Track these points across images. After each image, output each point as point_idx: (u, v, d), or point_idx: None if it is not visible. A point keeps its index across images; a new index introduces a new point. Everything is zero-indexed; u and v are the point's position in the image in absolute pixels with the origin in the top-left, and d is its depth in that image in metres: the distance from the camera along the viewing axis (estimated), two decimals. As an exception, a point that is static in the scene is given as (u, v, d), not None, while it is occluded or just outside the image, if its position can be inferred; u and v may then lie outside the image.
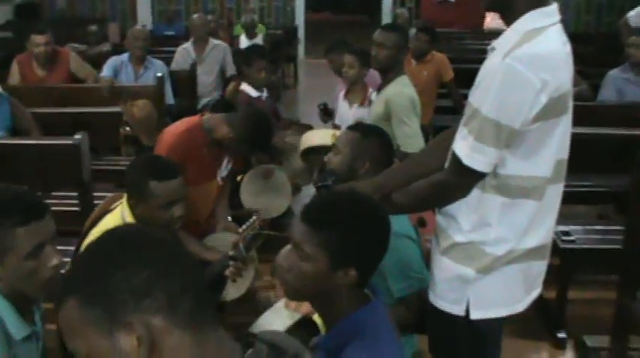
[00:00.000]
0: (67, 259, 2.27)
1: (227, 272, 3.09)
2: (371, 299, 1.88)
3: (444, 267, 2.21)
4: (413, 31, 7.02)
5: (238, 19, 12.20)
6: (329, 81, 6.58)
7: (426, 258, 2.56)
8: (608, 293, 3.55)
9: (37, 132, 4.67)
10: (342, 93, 5.01)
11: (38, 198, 2.04)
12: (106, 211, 2.98)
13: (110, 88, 5.58)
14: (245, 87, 5.05)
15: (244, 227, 3.20)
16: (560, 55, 2.04)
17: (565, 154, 2.16)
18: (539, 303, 3.77)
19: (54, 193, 4.31)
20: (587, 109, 5.09)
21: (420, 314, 2.50)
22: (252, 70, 5.03)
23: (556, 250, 3.67)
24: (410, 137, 3.92)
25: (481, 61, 2.12)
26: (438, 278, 2.25)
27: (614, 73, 5.76)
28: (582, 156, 3.75)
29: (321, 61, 6.04)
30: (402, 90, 4.02)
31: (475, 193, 2.11)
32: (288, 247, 1.87)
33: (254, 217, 3.23)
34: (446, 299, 2.23)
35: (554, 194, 2.17)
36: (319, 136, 4.46)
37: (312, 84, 11.86)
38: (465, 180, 2.10)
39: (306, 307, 2.40)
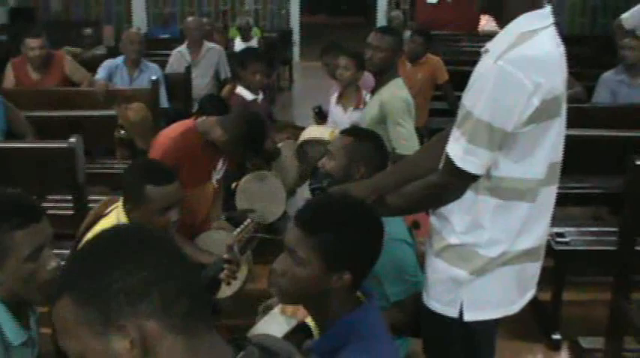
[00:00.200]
0: (63, 263, 2.27)
1: (222, 275, 3.08)
2: (363, 301, 1.88)
3: (438, 269, 2.22)
4: (408, 33, 7.04)
5: (233, 21, 12.20)
6: (324, 83, 6.59)
7: (421, 261, 2.56)
8: (602, 294, 3.56)
9: (32, 136, 4.66)
10: (334, 97, 5.01)
11: (35, 201, 2.04)
12: (101, 215, 2.97)
13: (105, 91, 5.57)
14: (240, 90, 5.04)
15: (239, 230, 3.20)
16: (554, 57, 2.04)
17: (559, 157, 2.17)
18: (534, 305, 3.78)
19: (48, 196, 4.31)
20: (581, 111, 5.10)
21: (415, 317, 2.51)
22: (248, 73, 5.03)
23: (551, 252, 3.67)
24: (405, 139, 3.92)
25: (476, 63, 2.12)
26: (432, 280, 2.25)
27: (608, 75, 5.77)
28: (577, 158, 3.76)
29: (316, 63, 6.05)
30: (397, 92, 4.02)
31: (468, 195, 2.11)
32: (284, 252, 1.87)
33: (248, 220, 3.23)
34: (439, 301, 2.23)
35: (548, 196, 2.17)
36: (318, 131, 4.50)
37: (307, 86, 11.88)
38: (458, 182, 2.10)
39: (302, 312, 2.40)
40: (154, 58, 6.73)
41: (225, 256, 3.07)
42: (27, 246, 1.86)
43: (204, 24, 7.85)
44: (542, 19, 2.03)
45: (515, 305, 2.24)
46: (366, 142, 2.76)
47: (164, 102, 6.00)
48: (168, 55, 7.05)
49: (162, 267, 1.15)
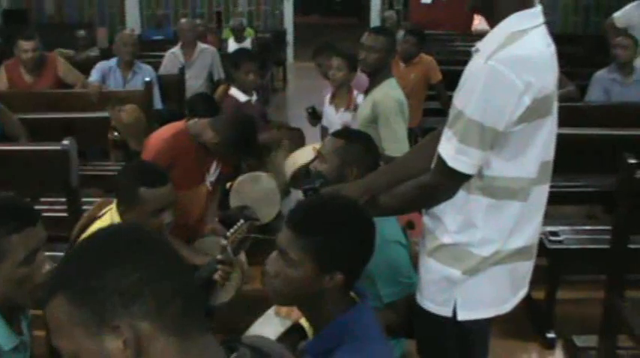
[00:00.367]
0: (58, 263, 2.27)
1: (216, 276, 3.09)
2: (357, 301, 1.88)
3: (431, 269, 2.22)
4: (401, 33, 7.05)
5: (227, 22, 12.20)
6: (318, 84, 6.59)
7: (415, 261, 2.56)
8: (597, 292, 3.56)
9: (25, 138, 4.66)
10: (327, 97, 5.01)
11: (30, 204, 2.04)
12: (95, 217, 2.98)
13: (98, 93, 5.57)
14: (234, 91, 5.03)
15: (232, 231, 3.20)
16: (544, 56, 2.05)
17: (550, 156, 2.17)
18: (528, 303, 3.81)
19: (42, 199, 4.30)
20: (574, 110, 5.12)
21: (409, 318, 2.51)
22: (241, 73, 5.02)
23: (544, 250, 3.70)
24: (395, 141, 3.91)
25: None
26: (425, 280, 2.26)
27: (601, 73, 5.79)
28: (570, 157, 3.78)
29: (310, 64, 6.05)
30: (390, 92, 4.02)
31: (461, 195, 2.12)
32: (275, 253, 1.87)
33: (242, 221, 3.23)
34: (433, 301, 2.23)
35: (540, 195, 2.18)
36: (301, 156, 4.45)
37: (301, 87, 11.88)
38: (450, 181, 2.10)
39: (297, 313, 2.40)
40: (148, 60, 6.73)
41: (219, 257, 3.07)
42: (22, 250, 1.86)
43: (197, 25, 7.86)
44: (532, 19, 2.03)
45: (508, 304, 2.25)
46: (357, 144, 2.75)
47: (158, 103, 6.00)
48: (161, 57, 7.06)
49: (157, 267, 1.14)
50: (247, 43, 9.55)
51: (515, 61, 1.95)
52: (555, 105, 2.13)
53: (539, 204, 2.19)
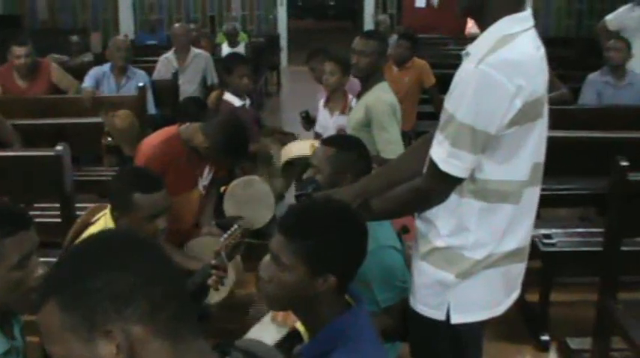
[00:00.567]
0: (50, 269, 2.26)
1: (209, 281, 3.09)
2: (352, 305, 1.89)
3: (424, 272, 2.22)
4: (394, 37, 7.06)
5: (220, 27, 12.21)
6: (312, 88, 6.61)
7: (410, 265, 2.56)
8: (590, 295, 3.57)
9: (18, 144, 4.65)
10: (322, 101, 5.02)
11: (22, 209, 2.04)
12: (89, 223, 2.97)
13: (91, 98, 5.56)
14: (228, 96, 5.03)
15: (226, 235, 3.20)
16: (534, 59, 2.05)
17: (541, 158, 2.18)
18: (522, 306, 3.83)
19: (35, 204, 4.30)
20: (567, 113, 5.15)
21: (404, 321, 2.52)
22: (234, 77, 5.02)
23: (538, 253, 3.71)
24: (390, 143, 3.93)
25: (462, 66, 2.13)
26: (419, 283, 2.26)
27: (593, 76, 5.81)
28: (563, 159, 3.80)
29: (304, 68, 6.06)
30: (382, 96, 4.03)
31: (453, 198, 2.12)
32: (268, 258, 1.88)
33: (236, 226, 3.23)
34: (426, 304, 2.23)
35: (532, 197, 2.18)
36: (298, 147, 4.48)
37: (295, 91, 11.90)
38: (442, 185, 2.11)
39: (293, 319, 2.40)
40: (141, 65, 6.73)
41: (213, 262, 3.07)
42: (16, 254, 1.86)
43: (191, 30, 7.85)
44: (522, 22, 2.04)
45: (501, 307, 2.25)
46: (348, 150, 2.73)
47: (151, 108, 5.99)
48: (155, 62, 7.05)
49: (149, 272, 1.15)
50: (241, 48, 9.56)
51: (505, 65, 1.95)
52: (546, 107, 2.14)
53: (531, 206, 2.20)
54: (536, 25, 2.11)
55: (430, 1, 12.57)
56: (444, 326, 2.21)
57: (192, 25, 9.20)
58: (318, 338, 1.84)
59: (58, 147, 3.79)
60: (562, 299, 4.10)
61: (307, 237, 1.81)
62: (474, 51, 2.05)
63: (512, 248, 2.17)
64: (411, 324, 2.35)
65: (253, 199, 4.26)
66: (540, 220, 4.10)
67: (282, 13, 14.51)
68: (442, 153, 2.04)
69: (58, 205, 3.88)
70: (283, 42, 14.35)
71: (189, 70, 6.88)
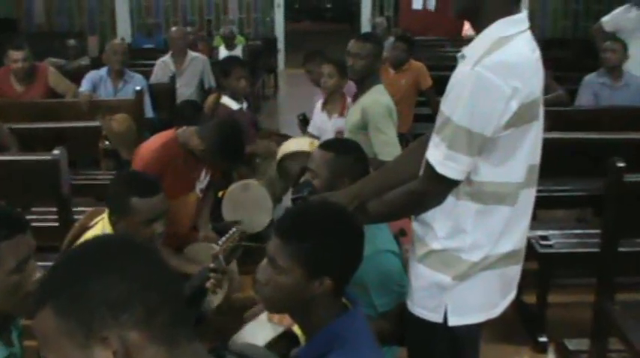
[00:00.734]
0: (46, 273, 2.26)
1: (208, 284, 3.09)
2: (349, 308, 1.89)
3: (421, 275, 2.23)
4: (391, 39, 7.07)
5: (218, 30, 12.21)
6: (309, 91, 6.61)
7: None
8: (588, 296, 3.57)
9: (16, 148, 4.66)
10: (319, 104, 5.02)
11: (19, 212, 2.04)
12: (86, 227, 2.97)
13: (89, 102, 5.57)
14: (225, 100, 5.04)
15: (224, 239, 3.20)
16: (530, 61, 2.06)
17: (537, 159, 2.19)
18: (519, 307, 3.83)
19: (33, 208, 4.30)
20: (564, 114, 5.16)
21: (401, 325, 2.52)
22: (231, 80, 5.03)
23: (535, 255, 3.71)
24: (387, 145, 3.93)
25: (459, 68, 2.14)
26: (416, 286, 2.26)
27: (590, 77, 5.82)
28: (560, 161, 3.81)
29: (301, 71, 6.06)
30: (379, 98, 4.03)
31: (450, 200, 2.12)
32: (265, 261, 1.88)
33: (234, 229, 3.23)
34: (424, 307, 2.24)
35: (528, 198, 2.19)
36: (296, 143, 4.48)
37: (292, 94, 11.90)
38: (438, 187, 2.11)
39: (289, 320, 2.41)
40: (139, 68, 6.73)
41: (211, 265, 3.07)
42: (14, 258, 1.86)
43: (188, 33, 7.85)
44: (517, 25, 2.05)
45: (497, 308, 2.25)
46: (346, 154, 2.72)
47: (149, 112, 6.00)
48: (152, 65, 7.05)
49: (145, 277, 1.15)
50: (238, 51, 9.55)
51: (501, 67, 1.96)
52: (541, 109, 2.14)
53: (526, 208, 2.21)
54: (532, 27, 2.12)
55: (427, 3, 12.56)
56: (442, 329, 2.21)
57: (189, 29, 9.21)
58: (315, 340, 1.84)
59: (55, 151, 3.79)
60: (559, 300, 4.10)
61: (303, 240, 1.81)
62: (470, 53, 2.05)
63: (509, 250, 2.17)
64: (409, 327, 2.35)
65: (251, 203, 4.27)
66: (537, 221, 4.11)
67: (279, 15, 14.51)
68: (438, 155, 2.05)
69: (55, 209, 3.88)
70: (280, 45, 14.35)
71: (187, 74, 6.88)
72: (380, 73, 4.62)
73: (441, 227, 2.16)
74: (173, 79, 6.62)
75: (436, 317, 2.21)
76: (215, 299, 3.28)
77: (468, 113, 1.98)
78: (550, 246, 3.81)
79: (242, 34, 12.18)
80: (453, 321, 2.20)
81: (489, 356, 2.66)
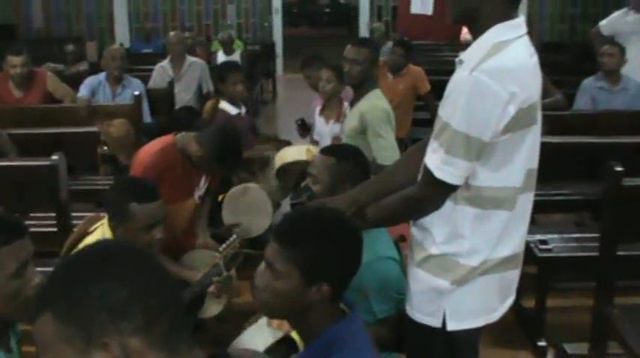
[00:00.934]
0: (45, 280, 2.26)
1: (211, 288, 3.10)
2: (347, 313, 1.89)
3: (420, 279, 2.23)
4: (390, 44, 7.07)
5: (216, 35, 12.22)
6: (307, 95, 6.61)
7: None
8: (587, 300, 3.57)
9: (14, 154, 4.65)
10: (317, 109, 5.03)
11: (16, 217, 2.04)
12: (86, 233, 2.98)
13: (87, 107, 5.57)
14: (224, 105, 5.04)
15: (224, 246, 3.20)
16: (528, 66, 2.07)
17: (535, 164, 2.19)
18: (518, 311, 3.83)
19: (31, 214, 4.29)
20: (562, 118, 5.16)
21: (398, 332, 2.52)
22: (228, 85, 5.03)
23: (534, 259, 3.71)
24: (386, 149, 3.93)
25: (457, 73, 2.14)
26: (414, 291, 2.26)
27: (588, 81, 5.83)
28: (558, 165, 3.82)
29: (300, 75, 6.06)
30: (376, 103, 4.03)
31: (448, 205, 2.13)
32: (263, 266, 1.88)
33: (234, 236, 3.24)
34: (422, 311, 2.24)
35: (526, 203, 2.19)
36: (293, 152, 4.48)
37: (290, 99, 11.90)
38: (437, 192, 2.11)
39: (288, 325, 2.41)
40: (137, 73, 6.72)
41: (215, 275, 3.08)
42: (13, 262, 1.86)
43: (186, 38, 7.85)
44: (515, 29, 2.05)
45: (496, 313, 2.26)
46: (347, 159, 2.73)
47: (147, 117, 5.99)
48: (150, 70, 7.04)
49: (145, 283, 1.15)
50: (236, 56, 9.57)
51: (499, 72, 1.96)
52: (539, 114, 2.15)
53: (524, 213, 2.21)
54: (530, 31, 2.12)
55: (425, 8, 12.57)
56: (440, 333, 2.21)
57: (187, 34, 9.21)
58: (314, 345, 1.84)
59: (54, 157, 3.79)
60: (558, 304, 4.10)
61: (301, 245, 1.81)
62: (468, 58, 2.06)
63: (507, 254, 2.17)
64: (408, 331, 2.35)
65: (251, 207, 4.26)
66: (536, 226, 4.12)
67: (277, 20, 14.52)
68: (437, 160, 2.05)
69: (54, 214, 3.88)
70: (279, 49, 14.37)
71: (185, 79, 6.88)
72: (377, 78, 4.62)
73: (440, 232, 2.16)
74: (171, 84, 6.62)
75: (435, 322, 2.22)
76: (216, 307, 3.29)
77: (466, 118, 1.98)
78: (549, 250, 3.82)
79: (240, 38, 12.19)
80: (451, 326, 2.20)
81: (489, 361, 2.67)
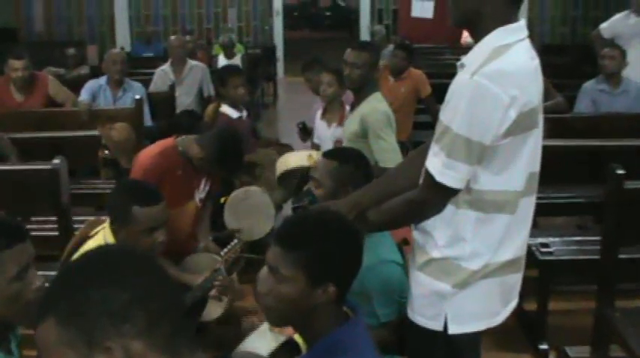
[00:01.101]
0: (48, 285, 2.26)
1: (214, 291, 3.10)
2: (350, 316, 1.89)
3: (421, 283, 2.23)
4: (391, 47, 7.07)
5: (217, 39, 12.23)
6: (308, 99, 6.61)
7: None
8: (588, 303, 3.57)
9: (15, 158, 4.66)
10: (319, 112, 5.03)
11: (17, 221, 2.04)
12: (87, 236, 2.97)
13: (88, 111, 5.57)
14: (225, 109, 5.04)
15: (226, 250, 3.20)
16: (529, 70, 2.07)
17: (536, 167, 2.19)
18: (519, 315, 3.83)
19: (33, 218, 4.29)
20: (563, 121, 5.17)
21: (401, 335, 2.52)
22: (229, 88, 5.04)
23: (535, 262, 3.71)
24: (388, 152, 3.93)
25: (458, 76, 2.14)
26: (416, 294, 2.26)
27: (589, 84, 5.83)
28: (560, 168, 3.82)
29: (301, 79, 6.06)
30: (377, 106, 4.03)
31: (449, 209, 2.13)
32: (265, 271, 1.87)
33: (235, 240, 3.24)
34: (424, 315, 2.24)
35: (527, 207, 2.19)
36: (295, 159, 4.48)
37: (291, 102, 11.89)
38: (438, 196, 2.11)
39: (290, 329, 2.40)
40: (138, 77, 6.73)
41: (217, 278, 3.08)
42: (14, 266, 1.86)
43: (187, 42, 7.85)
44: (516, 33, 2.05)
45: (498, 317, 2.26)
46: (349, 163, 2.74)
47: (148, 120, 5.99)
48: (151, 74, 7.05)
49: (147, 287, 1.15)
50: (237, 59, 9.56)
51: (500, 76, 1.96)
52: (541, 117, 2.15)
53: (526, 216, 2.21)
54: (531, 33, 2.12)
55: (425, 11, 12.58)
56: (442, 337, 2.21)
57: (188, 37, 9.21)
58: (317, 348, 1.83)
59: (55, 161, 3.80)
60: (560, 307, 4.10)
61: (306, 246, 1.80)
62: (469, 62, 2.06)
63: (509, 258, 2.17)
64: (409, 335, 2.35)
65: (253, 210, 4.27)
66: (538, 229, 4.11)
67: (278, 24, 14.53)
68: (438, 164, 2.05)
69: (55, 218, 3.88)
70: (279, 53, 14.37)
71: (186, 82, 6.89)
72: (378, 81, 4.62)
73: (441, 235, 2.16)
74: (172, 87, 6.62)
75: (436, 326, 2.22)
76: (217, 310, 3.28)
77: (467, 122, 1.99)
78: (550, 253, 3.82)
79: (241, 42, 12.20)
80: (453, 329, 2.20)
81: (490, 364, 2.67)
